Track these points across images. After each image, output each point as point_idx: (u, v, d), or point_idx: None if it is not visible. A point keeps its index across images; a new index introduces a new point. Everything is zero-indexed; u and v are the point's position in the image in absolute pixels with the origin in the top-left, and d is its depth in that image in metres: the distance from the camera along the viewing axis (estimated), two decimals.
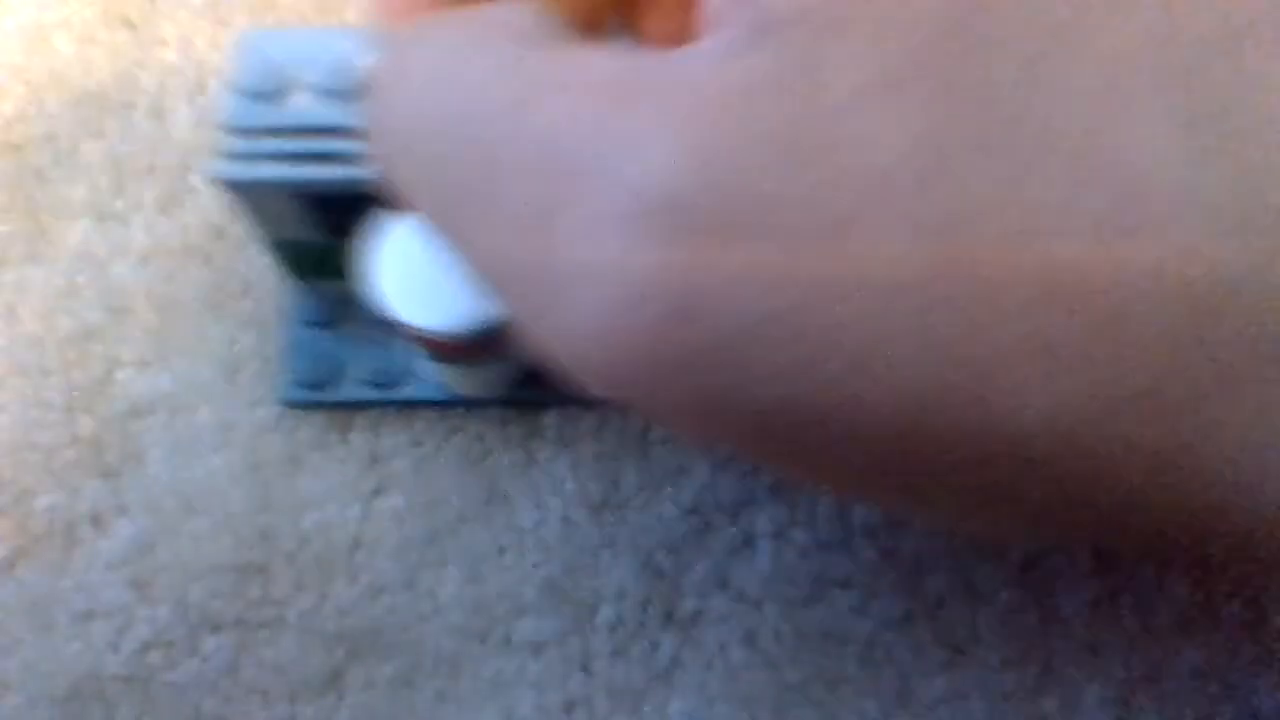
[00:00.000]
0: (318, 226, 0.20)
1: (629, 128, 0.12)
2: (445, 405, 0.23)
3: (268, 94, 0.19)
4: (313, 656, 0.21)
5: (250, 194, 0.19)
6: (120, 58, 0.25)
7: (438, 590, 0.22)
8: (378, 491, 0.22)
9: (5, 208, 0.24)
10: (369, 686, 0.21)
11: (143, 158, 0.25)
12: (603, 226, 0.12)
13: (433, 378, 0.23)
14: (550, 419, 0.23)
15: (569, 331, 0.12)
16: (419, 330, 0.18)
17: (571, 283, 0.12)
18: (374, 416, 0.23)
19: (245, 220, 0.20)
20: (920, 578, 0.22)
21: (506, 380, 0.22)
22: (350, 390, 0.23)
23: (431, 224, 0.14)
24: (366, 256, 0.19)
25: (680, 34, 0.15)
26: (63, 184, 0.24)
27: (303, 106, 0.19)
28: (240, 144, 0.19)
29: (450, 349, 0.19)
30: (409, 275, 0.18)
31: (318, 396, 0.23)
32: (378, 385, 0.23)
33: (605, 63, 0.13)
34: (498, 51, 0.14)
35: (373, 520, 0.22)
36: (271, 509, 0.22)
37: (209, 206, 0.24)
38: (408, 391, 0.23)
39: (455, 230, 0.14)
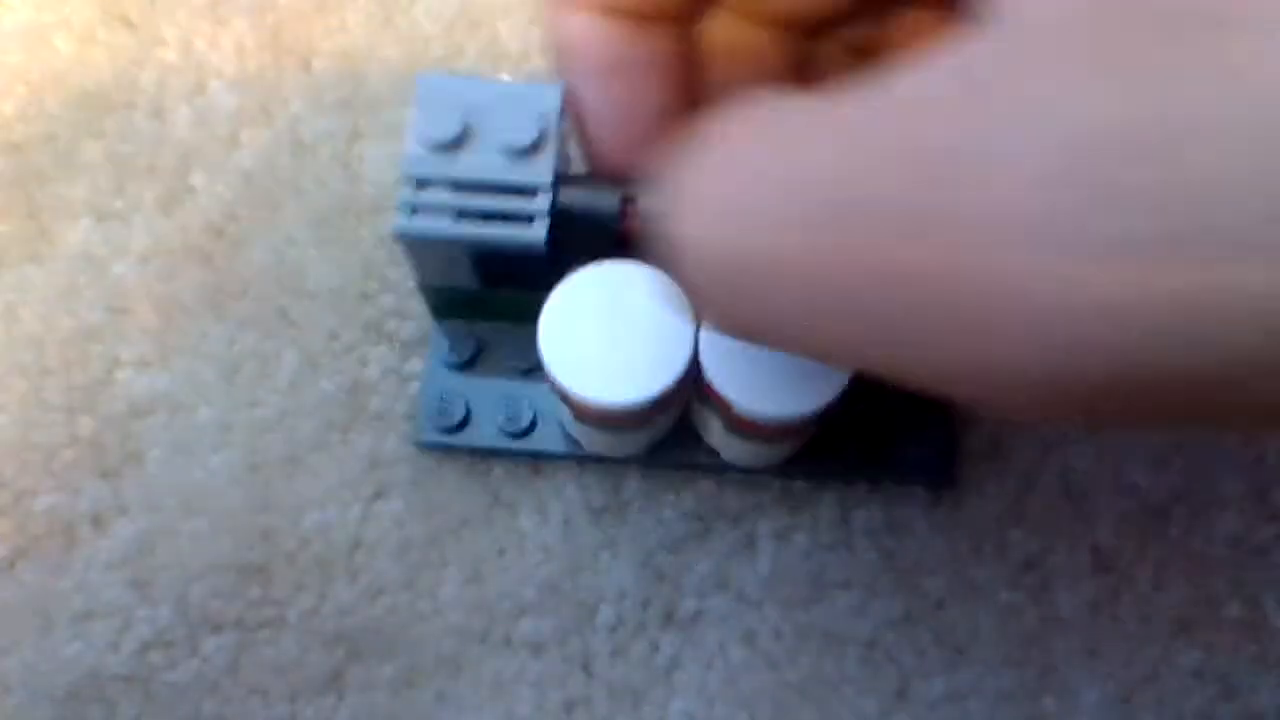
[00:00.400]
0: (474, 275, 0.20)
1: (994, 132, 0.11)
2: (574, 459, 0.23)
3: (447, 144, 0.19)
4: (313, 656, 0.21)
5: (421, 246, 0.19)
6: (120, 58, 0.25)
7: (438, 590, 0.22)
8: (378, 494, 0.22)
9: (5, 208, 0.24)
10: (369, 686, 0.21)
11: (143, 158, 0.25)
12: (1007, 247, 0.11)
13: (562, 431, 0.22)
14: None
15: (990, 363, 0.12)
16: (593, 404, 0.18)
17: (988, 311, 0.11)
18: (376, 415, 0.23)
19: (407, 263, 0.20)
20: (920, 578, 0.22)
21: (644, 444, 0.22)
22: (482, 437, 0.22)
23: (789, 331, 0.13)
24: (546, 326, 0.18)
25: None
26: (63, 184, 0.24)
27: (482, 161, 0.19)
28: (418, 195, 0.19)
29: (614, 419, 0.19)
30: (583, 346, 0.18)
31: (450, 440, 0.22)
32: (509, 434, 0.22)
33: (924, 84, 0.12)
34: (814, 134, 0.13)
35: (373, 521, 0.22)
36: (271, 509, 0.22)
37: (209, 206, 0.24)
38: (537, 443, 0.22)
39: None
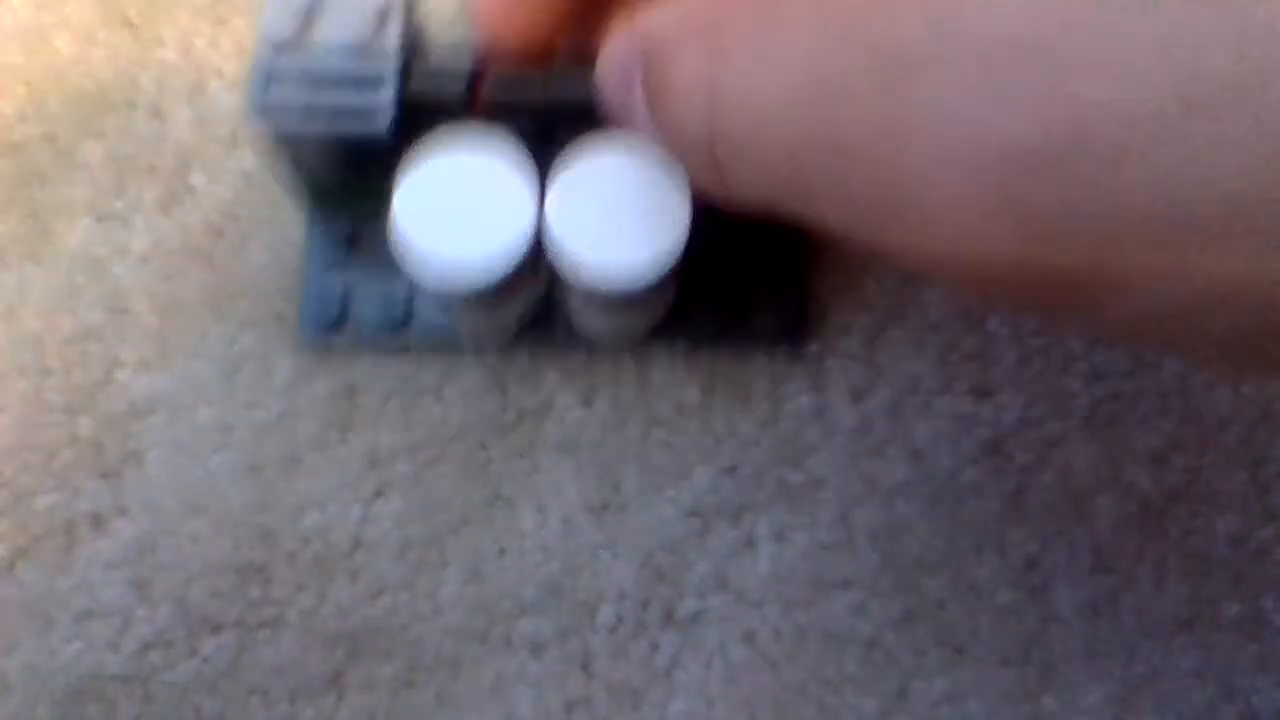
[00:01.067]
0: (340, 168, 0.21)
1: None
2: (445, 349, 0.23)
3: (293, 42, 0.20)
4: (313, 656, 0.21)
5: (276, 143, 0.20)
6: (120, 58, 0.25)
7: (438, 590, 0.22)
8: (378, 493, 0.22)
9: (5, 208, 0.24)
10: (369, 686, 0.21)
11: (143, 158, 0.25)
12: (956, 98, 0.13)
13: (438, 321, 0.23)
14: (552, 425, 0.23)
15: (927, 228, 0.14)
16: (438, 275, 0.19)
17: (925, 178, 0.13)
18: (374, 418, 0.23)
19: (273, 160, 0.21)
20: (920, 578, 0.22)
21: (511, 325, 0.22)
22: (361, 332, 0.23)
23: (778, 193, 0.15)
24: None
25: None
26: (63, 184, 0.24)
27: (329, 57, 0.20)
28: (266, 93, 0.19)
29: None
30: (437, 218, 0.19)
31: (331, 339, 0.23)
32: (388, 328, 0.23)
33: None
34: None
35: (373, 521, 0.22)
36: (271, 509, 0.22)
37: (209, 206, 0.24)
38: (415, 335, 0.23)
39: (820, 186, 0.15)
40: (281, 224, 0.24)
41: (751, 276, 0.23)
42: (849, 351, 0.23)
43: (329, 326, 0.23)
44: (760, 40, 0.15)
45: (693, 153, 0.17)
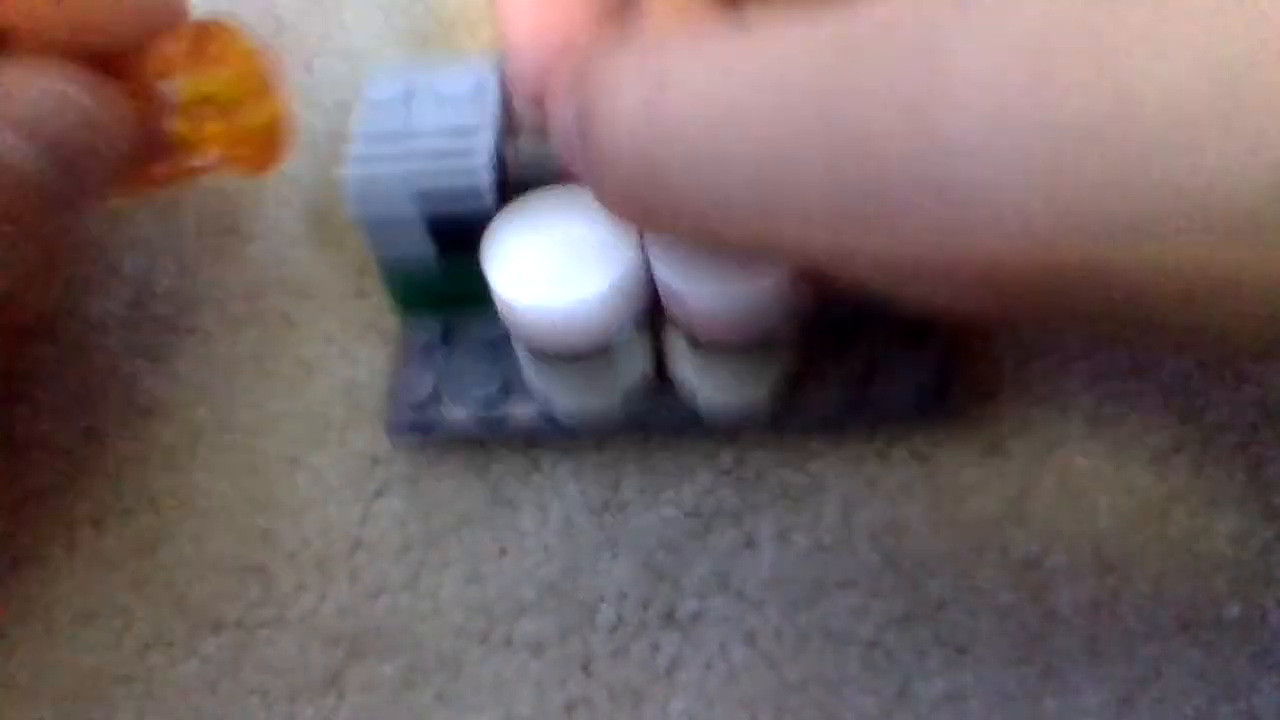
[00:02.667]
0: (428, 240, 0.20)
1: None
2: (553, 433, 0.22)
3: (392, 101, 0.20)
4: (313, 656, 0.21)
5: (372, 205, 0.20)
6: None
7: (438, 591, 0.22)
8: (378, 493, 0.22)
9: None
10: (369, 687, 0.21)
11: None
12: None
13: (535, 403, 0.22)
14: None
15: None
16: (535, 313, 0.19)
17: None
18: (374, 418, 0.23)
19: (365, 240, 0.21)
20: (921, 579, 0.22)
21: (616, 394, 0.21)
22: (454, 415, 0.22)
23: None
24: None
25: None
26: None
27: (424, 111, 0.20)
28: (365, 149, 0.20)
29: (566, 344, 0.19)
30: (526, 261, 0.19)
31: (423, 420, 0.22)
32: (481, 411, 0.22)
33: None
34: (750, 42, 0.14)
35: (373, 521, 0.22)
36: (271, 509, 0.22)
37: (214, 206, 0.24)
38: (511, 415, 0.22)
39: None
40: (282, 224, 0.24)
41: (883, 343, 0.21)
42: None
43: (420, 427, 0.22)
44: (713, 53, 0.15)
45: (620, 183, 0.16)
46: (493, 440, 0.22)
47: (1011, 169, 0.12)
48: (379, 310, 0.24)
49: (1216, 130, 0.11)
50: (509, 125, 0.20)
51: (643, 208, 0.16)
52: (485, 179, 0.19)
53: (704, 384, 0.21)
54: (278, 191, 0.24)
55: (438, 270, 0.21)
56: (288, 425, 0.23)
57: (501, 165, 0.19)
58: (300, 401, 0.23)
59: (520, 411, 0.22)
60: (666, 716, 0.21)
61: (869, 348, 0.21)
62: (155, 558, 0.22)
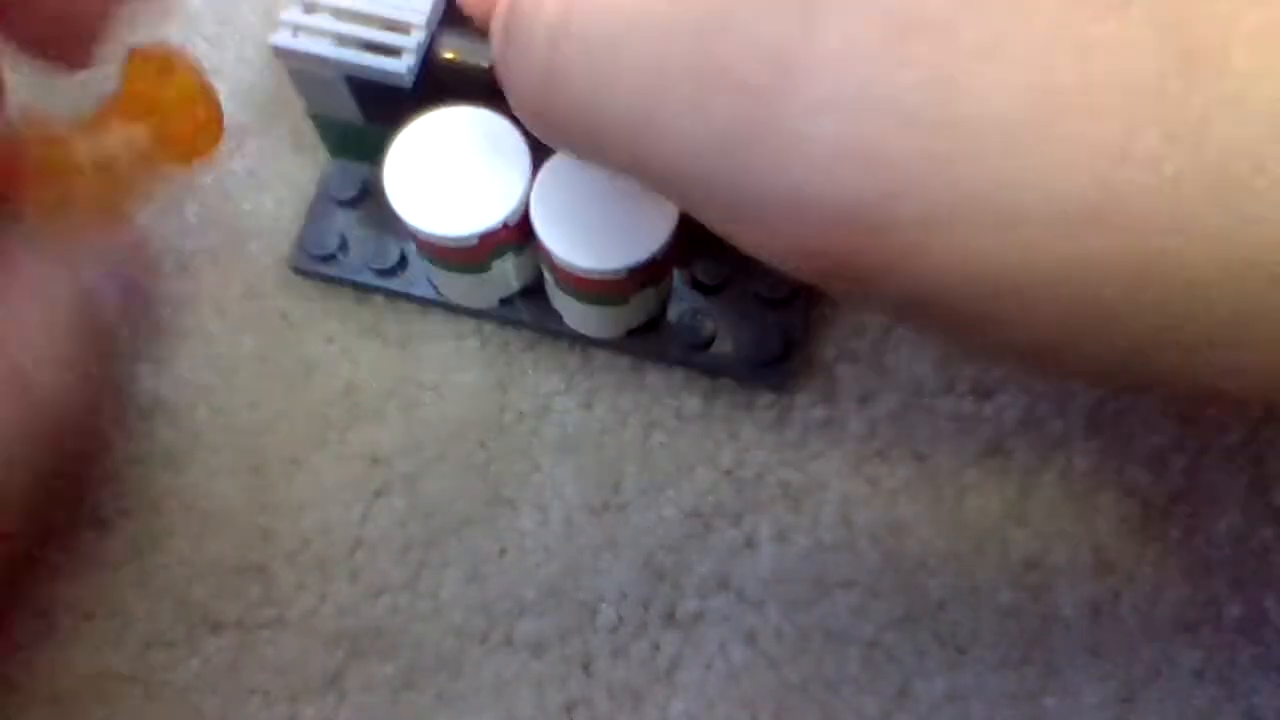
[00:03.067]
0: (355, 107, 0.22)
1: None
2: (428, 304, 0.23)
3: None
4: (313, 656, 0.21)
5: (301, 69, 0.21)
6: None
7: (438, 591, 0.22)
8: (378, 493, 0.22)
9: None
10: (369, 687, 0.21)
11: None
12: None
13: (424, 278, 0.23)
14: (552, 426, 0.23)
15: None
16: (424, 236, 0.20)
17: None
18: (374, 418, 0.23)
19: (295, 91, 0.22)
20: (922, 579, 0.22)
21: (494, 297, 0.23)
22: (352, 270, 0.23)
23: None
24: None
25: None
26: None
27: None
28: (301, 18, 0.20)
29: (450, 255, 0.21)
30: (424, 182, 0.20)
31: (321, 270, 0.23)
32: (376, 271, 0.23)
33: None
34: None
35: (373, 521, 0.22)
36: (271, 509, 0.22)
37: (215, 207, 0.24)
38: (401, 284, 0.23)
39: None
40: (283, 225, 0.24)
41: (742, 303, 0.23)
42: (853, 352, 0.23)
43: (322, 258, 0.23)
44: None
45: (528, 87, 0.16)
46: (384, 296, 0.24)
47: (851, 139, 0.13)
48: (379, 309, 0.24)
49: (1039, 138, 0.12)
50: (447, 16, 0.21)
51: (544, 117, 0.16)
52: (408, 77, 0.20)
53: (568, 312, 0.22)
54: (277, 192, 0.24)
55: (363, 128, 0.22)
56: (288, 425, 0.23)
57: (430, 58, 0.20)
58: (300, 401, 0.23)
59: (412, 284, 0.23)
60: (667, 717, 0.21)
61: (728, 304, 0.23)
62: (155, 558, 0.22)
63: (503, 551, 0.22)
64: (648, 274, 0.20)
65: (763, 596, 0.22)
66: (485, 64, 0.20)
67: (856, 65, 0.13)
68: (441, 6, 0.21)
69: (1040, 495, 0.22)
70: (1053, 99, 0.12)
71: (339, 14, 0.20)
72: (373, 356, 0.23)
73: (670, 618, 0.22)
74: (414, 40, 0.20)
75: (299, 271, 0.23)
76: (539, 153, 0.20)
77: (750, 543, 0.22)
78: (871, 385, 0.23)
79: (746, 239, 0.15)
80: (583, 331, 0.23)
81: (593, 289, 0.20)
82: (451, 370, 0.23)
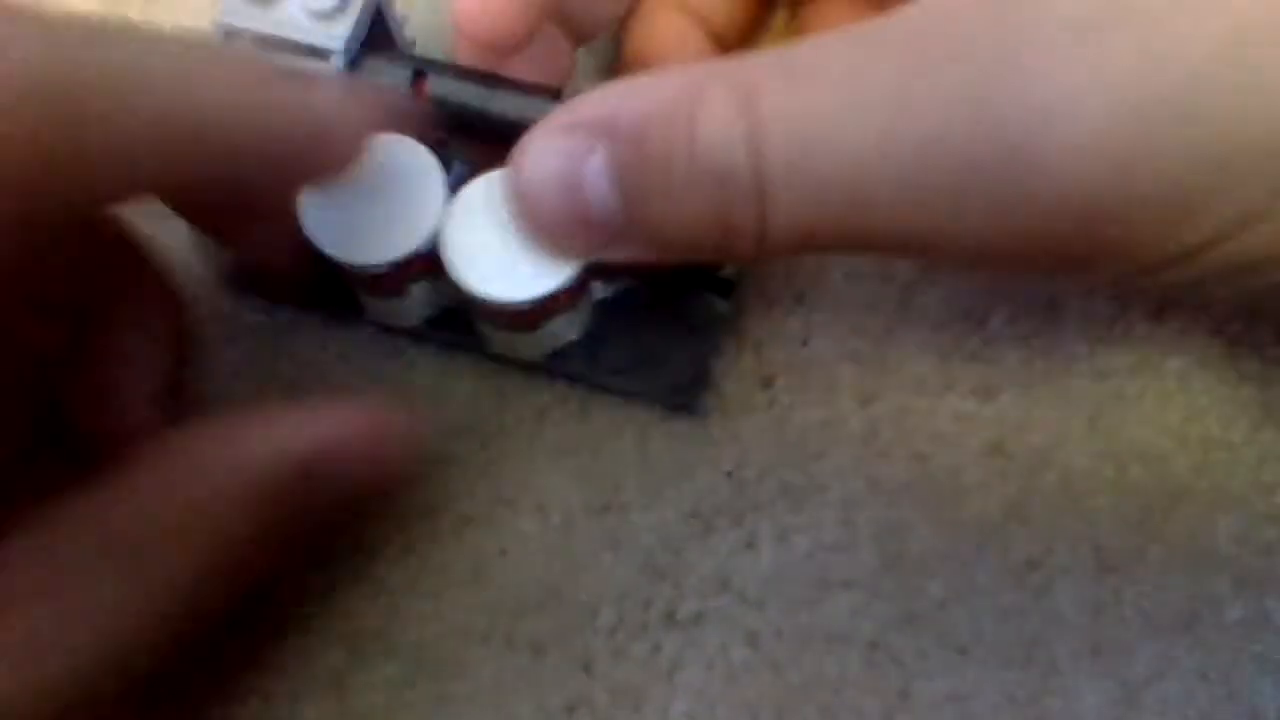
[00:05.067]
0: None
1: None
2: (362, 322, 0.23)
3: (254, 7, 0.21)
4: (313, 656, 0.21)
5: None
6: None
7: (439, 591, 0.22)
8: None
9: None
10: (369, 687, 0.21)
11: None
12: None
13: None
14: (551, 429, 0.23)
15: None
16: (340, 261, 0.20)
17: None
18: None
19: None
20: (923, 579, 0.22)
21: (416, 317, 0.23)
22: (276, 289, 0.23)
23: None
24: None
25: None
26: None
27: (287, 19, 0.20)
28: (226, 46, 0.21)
29: (365, 282, 0.21)
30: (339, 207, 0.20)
31: (250, 286, 0.23)
32: (301, 292, 0.23)
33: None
34: None
35: (373, 520, 0.22)
36: None
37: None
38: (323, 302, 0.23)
39: None
40: None
41: (657, 337, 0.23)
42: (853, 352, 0.23)
43: (250, 279, 0.23)
44: (802, 68, 0.16)
45: (733, 202, 0.16)
46: (306, 307, 0.24)
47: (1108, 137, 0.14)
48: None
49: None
50: (368, 43, 0.21)
51: (754, 205, 0.17)
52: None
53: (487, 337, 0.22)
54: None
55: None
56: None
57: (355, 64, 0.21)
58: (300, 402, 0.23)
59: (340, 303, 0.23)
60: (667, 717, 0.21)
61: (646, 328, 0.23)
62: None
63: (503, 551, 0.22)
64: (558, 303, 0.20)
65: (763, 597, 0.22)
66: (403, 81, 0.21)
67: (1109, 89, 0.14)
68: (362, 34, 0.21)
69: (1041, 495, 0.22)
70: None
71: (259, 41, 0.20)
72: (371, 354, 0.23)
73: (670, 618, 0.21)
74: (333, 67, 0.20)
75: (228, 286, 0.23)
76: (453, 183, 0.20)
77: (750, 543, 0.22)
78: (871, 385, 0.23)
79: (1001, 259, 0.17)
80: (506, 354, 0.23)
81: (504, 318, 0.21)
82: (449, 376, 0.23)
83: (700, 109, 0.16)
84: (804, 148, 0.15)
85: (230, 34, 0.20)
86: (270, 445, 0.18)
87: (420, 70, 0.21)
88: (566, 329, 0.22)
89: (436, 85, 0.21)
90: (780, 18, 0.26)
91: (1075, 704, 0.21)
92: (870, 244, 0.17)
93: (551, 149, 0.17)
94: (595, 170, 0.17)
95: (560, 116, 0.17)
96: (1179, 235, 0.14)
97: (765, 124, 0.15)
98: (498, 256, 0.19)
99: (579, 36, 0.23)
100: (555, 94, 0.21)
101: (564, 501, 0.22)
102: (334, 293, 0.22)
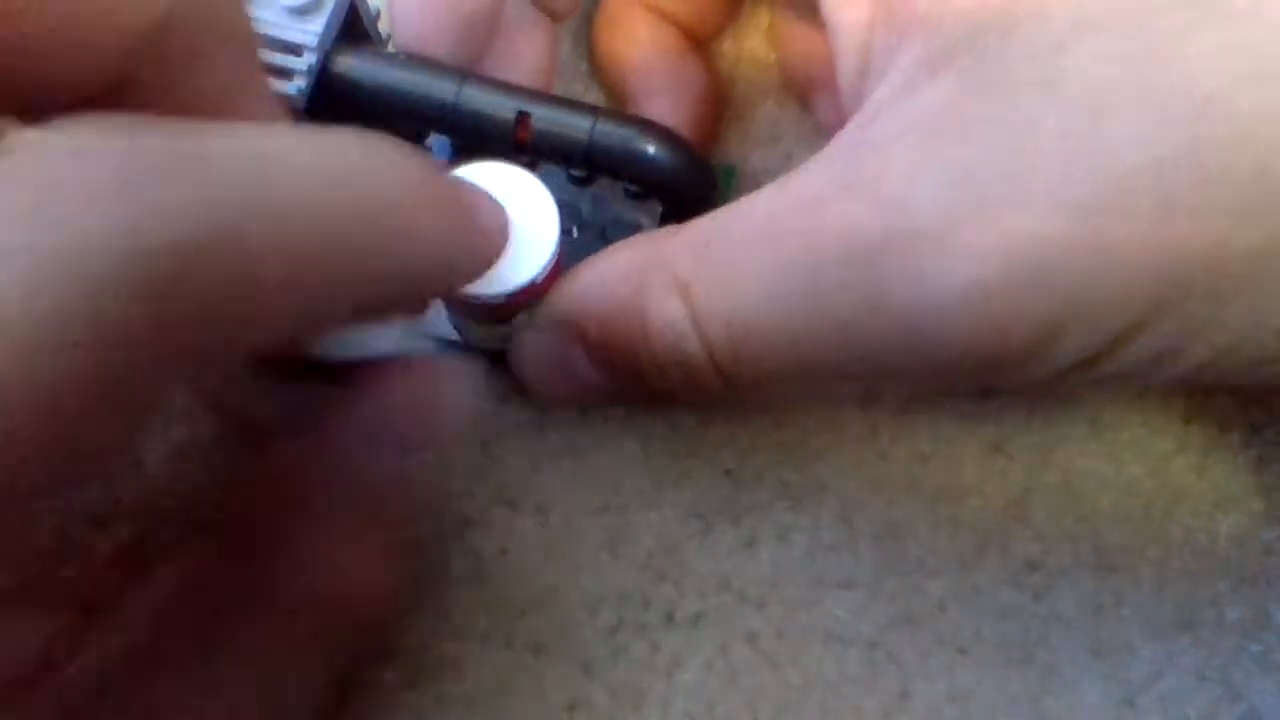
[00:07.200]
0: None
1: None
2: None
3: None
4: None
5: None
6: None
7: (440, 591, 0.22)
8: None
9: None
10: (370, 687, 0.21)
11: None
12: None
13: None
14: (552, 431, 0.23)
15: None
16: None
17: None
18: None
19: None
20: (923, 579, 0.22)
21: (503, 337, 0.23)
22: None
23: None
24: None
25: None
26: None
27: (265, 15, 0.20)
28: None
29: None
30: None
31: None
32: None
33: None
34: None
35: None
36: None
37: None
38: None
39: None
40: None
41: None
42: None
43: None
44: (722, 262, 0.18)
45: (695, 377, 0.19)
46: None
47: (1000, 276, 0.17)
48: None
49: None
50: (341, 37, 0.21)
51: (716, 376, 0.19)
52: (300, 99, 0.20)
53: (466, 331, 0.23)
54: None
55: None
56: None
57: (322, 78, 0.21)
58: None
59: None
60: (667, 717, 0.21)
61: None
62: None
63: (503, 551, 0.22)
64: (530, 296, 0.20)
65: (763, 597, 0.22)
66: (508, 120, 0.21)
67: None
68: (334, 30, 0.21)
69: (1041, 495, 0.22)
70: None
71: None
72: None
73: (670, 618, 0.21)
74: (305, 63, 0.20)
75: None
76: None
77: (750, 543, 0.22)
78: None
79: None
80: (484, 348, 0.23)
81: (480, 311, 0.21)
82: None
83: (648, 304, 0.19)
84: (742, 334, 0.18)
85: None
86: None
87: (524, 111, 0.21)
88: None
89: (538, 119, 0.21)
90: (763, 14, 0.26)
91: (1075, 704, 0.21)
92: (830, 382, 0.21)
93: (545, 346, 0.21)
94: (581, 361, 0.20)
95: (544, 311, 0.20)
96: (1050, 360, 0.17)
97: (703, 317, 0.18)
98: None
99: (554, 12, 0.24)
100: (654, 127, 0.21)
101: (564, 501, 0.22)
102: None
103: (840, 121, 0.19)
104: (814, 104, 0.24)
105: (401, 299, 0.17)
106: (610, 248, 0.20)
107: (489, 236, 0.18)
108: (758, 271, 0.18)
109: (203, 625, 0.16)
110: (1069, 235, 0.15)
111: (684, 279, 0.18)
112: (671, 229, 0.20)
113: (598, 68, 0.25)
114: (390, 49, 0.22)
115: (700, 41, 0.25)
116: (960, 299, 0.16)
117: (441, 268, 0.17)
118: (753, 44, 0.26)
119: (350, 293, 0.14)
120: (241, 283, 0.12)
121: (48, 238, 0.10)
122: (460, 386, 0.18)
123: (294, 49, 0.20)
